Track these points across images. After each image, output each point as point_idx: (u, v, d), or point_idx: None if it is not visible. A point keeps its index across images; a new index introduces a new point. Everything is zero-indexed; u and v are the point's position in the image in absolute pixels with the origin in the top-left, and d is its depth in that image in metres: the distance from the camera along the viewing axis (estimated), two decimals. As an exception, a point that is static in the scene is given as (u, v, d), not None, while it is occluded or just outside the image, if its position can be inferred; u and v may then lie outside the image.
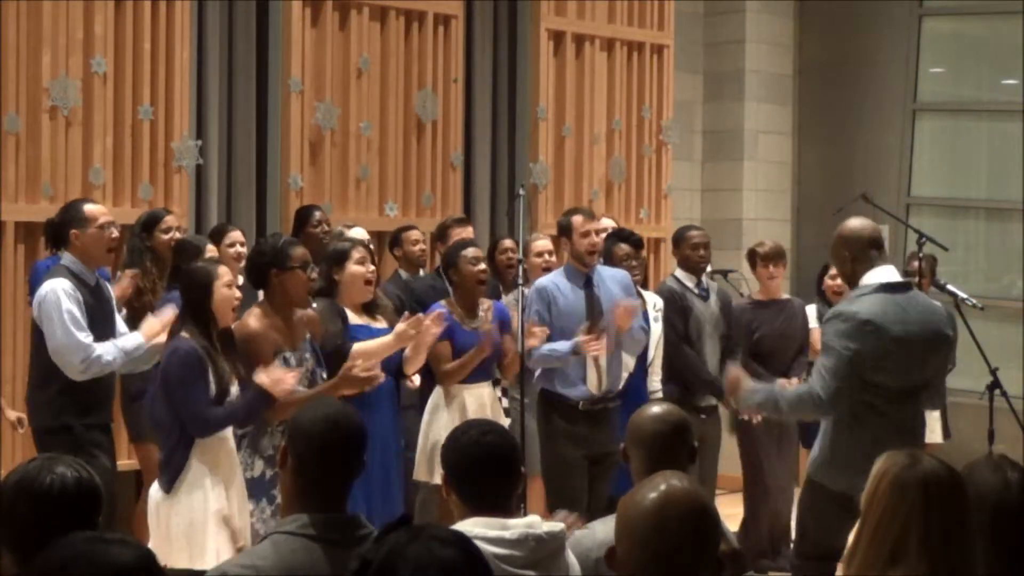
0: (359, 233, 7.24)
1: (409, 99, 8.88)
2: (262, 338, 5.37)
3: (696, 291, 7.40)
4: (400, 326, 5.97)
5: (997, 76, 11.06)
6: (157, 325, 5.73)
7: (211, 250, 6.65)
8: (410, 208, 8.89)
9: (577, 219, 6.66)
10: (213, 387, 5.05)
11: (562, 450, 6.52)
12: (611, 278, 6.75)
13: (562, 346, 6.46)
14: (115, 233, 5.89)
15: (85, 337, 5.64)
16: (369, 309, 6.13)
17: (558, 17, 9.61)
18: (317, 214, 7.72)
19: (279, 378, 5.12)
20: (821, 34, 11.40)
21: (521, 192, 6.97)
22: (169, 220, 6.89)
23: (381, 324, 6.13)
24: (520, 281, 6.62)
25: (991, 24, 10.93)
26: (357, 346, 5.86)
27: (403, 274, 7.84)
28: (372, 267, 6.11)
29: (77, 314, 5.64)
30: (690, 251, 7.47)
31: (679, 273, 7.53)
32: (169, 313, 5.62)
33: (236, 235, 7.19)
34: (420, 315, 6.05)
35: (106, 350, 5.68)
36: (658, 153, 10.20)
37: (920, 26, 10.98)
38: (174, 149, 7.80)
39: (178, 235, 6.87)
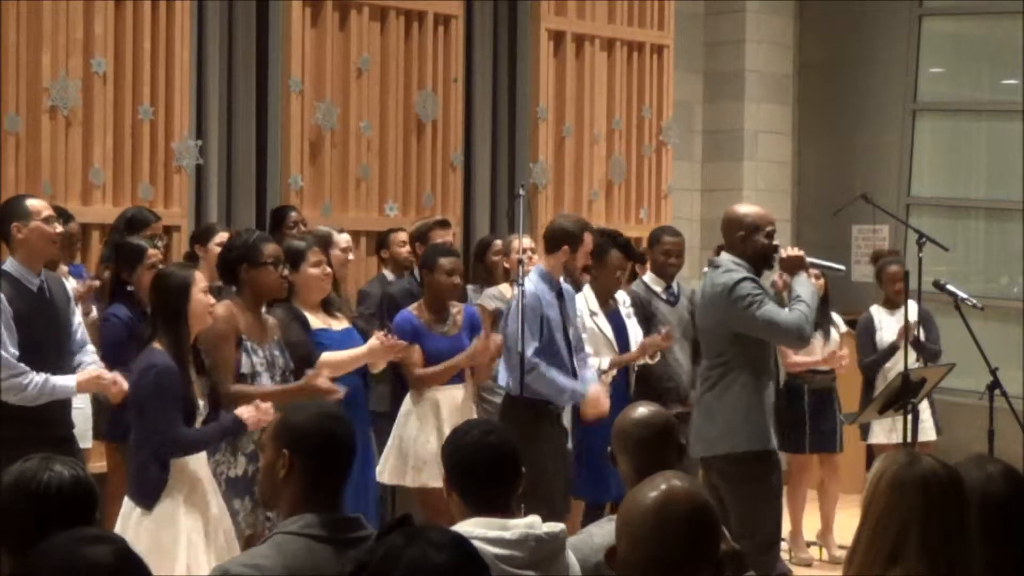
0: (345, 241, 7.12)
1: (409, 99, 8.88)
2: (225, 322, 5.32)
3: (664, 296, 7.37)
4: (374, 342, 5.94)
5: (997, 76, 11.06)
6: (94, 385, 5.45)
7: (153, 254, 6.39)
8: (410, 208, 8.88)
9: (589, 237, 6.59)
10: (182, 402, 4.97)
11: (544, 452, 6.41)
12: (566, 290, 6.67)
13: (570, 387, 6.40)
14: (59, 228, 5.61)
15: (10, 357, 5.28)
16: (326, 307, 6.04)
17: (558, 17, 9.61)
18: (292, 214, 7.69)
19: (260, 418, 5.04)
20: (821, 34, 11.40)
21: (521, 192, 6.96)
22: (156, 228, 6.83)
23: (342, 323, 6.05)
24: (521, 281, 6.60)
25: (991, 24, 10.93)
26: (325, 356, 5.79)
27: (388, 275, 7.76)
28: (329, 269, 6.03)
29: (1, 329, 5.29)
30: (661, 256, 7.44)
31: (647, 277, 7.49)
32: (107, 376, 5.42)
33: (225, 236, 7.05)
34: (395, 339, 6.02)
35: (33, 382, 5.30)
36: (658, 153, 10.20)
37: (920, 26, 10.98)
38: (174, 149, 7.80)
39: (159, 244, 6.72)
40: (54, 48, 7.36)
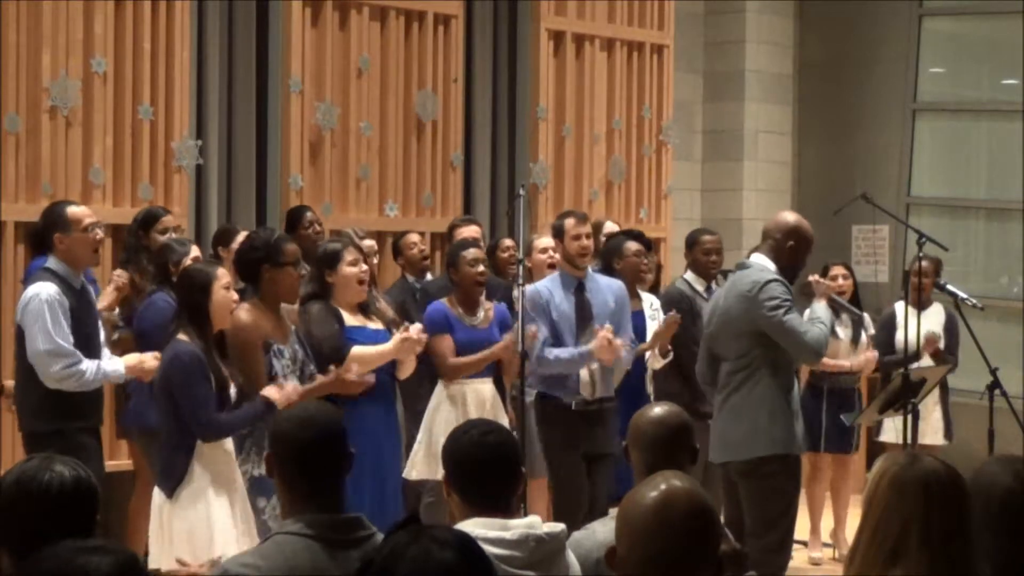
0: (368, 244, 7.34)
1: (409, 99, 8.88)
2: (252, 329, 5.41)
3: (705, 295, 7.38)
4: (398, 337, 6.04)
5: (997, 76, 11.06)
6: (143, 366, 5.70)
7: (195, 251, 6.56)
8: (410, 208, 8.89)
9: (569, 222, 6.72)
10: (212, 390, 5.07)
11: (560, 452, 6.54)
12: (606, 287, 6.75)
13: (571, 352, 6.47)
14: (100, 234, 5.82)
15: (70, 346, 5.56)
16: (364, 309, 6.14)
17: (558, 17, 9.61)
18: (308, 215, 7.70)
19: (288, 396, 5.18)
20: (821, 34, 11.40)
21: (521, 192, 6.97)
22: (167, 220, 6.85)
23: (377, 325, 6.13)
24: (520, 281, 6.62)
25: (991, 24, 10.93)
26: (355, 350, 5.87)
27: (409, 278, 7.84)
28: (365, 267, 6.12)
29: (62, 320, 5.55)
30: (702, 256, 7.50)
31: (689, 275, 7.53)
32: (153, 362, 5.59)
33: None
34: (419, 328, 6.14)
35: (89, 368, 5.60)
36: (658, 153, 10.20)
37: (920, 26, 10.98)
38: (174, 149, 7.80)
39: (176, 236, 6.83)
40: (54, 48, 7.36)
